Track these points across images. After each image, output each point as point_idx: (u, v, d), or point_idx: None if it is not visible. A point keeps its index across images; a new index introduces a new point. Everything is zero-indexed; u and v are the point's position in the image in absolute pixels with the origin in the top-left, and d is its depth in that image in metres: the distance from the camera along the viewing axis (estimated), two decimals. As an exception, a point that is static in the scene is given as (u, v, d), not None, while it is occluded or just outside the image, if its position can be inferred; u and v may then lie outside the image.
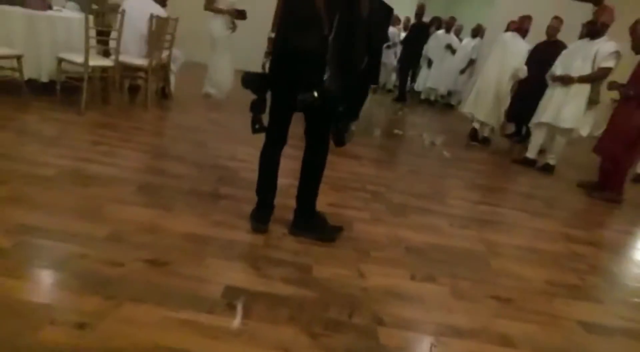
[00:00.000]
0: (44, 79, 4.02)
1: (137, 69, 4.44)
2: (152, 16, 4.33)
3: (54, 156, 2.78)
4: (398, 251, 2.36)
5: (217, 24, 5.40)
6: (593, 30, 4.33)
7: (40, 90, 4.02)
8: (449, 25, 8.63)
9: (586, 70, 4.32)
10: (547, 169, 4.72)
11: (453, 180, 3.96)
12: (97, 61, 3.95)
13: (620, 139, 3.95)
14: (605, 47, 4.23)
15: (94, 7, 5.04)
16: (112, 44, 4.40)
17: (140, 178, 2.74)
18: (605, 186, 4.14)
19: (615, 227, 3.59)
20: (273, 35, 2.10)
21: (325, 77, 1.85)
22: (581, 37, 4.96)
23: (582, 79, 4.33)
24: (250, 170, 2.65)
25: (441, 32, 8.61)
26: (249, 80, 2.09)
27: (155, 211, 2.29)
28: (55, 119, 3.56)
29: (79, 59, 3.76)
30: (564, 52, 4.68)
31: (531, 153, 4.87)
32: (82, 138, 3.28)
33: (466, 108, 5.70)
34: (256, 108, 2.15)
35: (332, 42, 1.84)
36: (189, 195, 2.57)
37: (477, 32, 8.48)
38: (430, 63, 8.61)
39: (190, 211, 2.36)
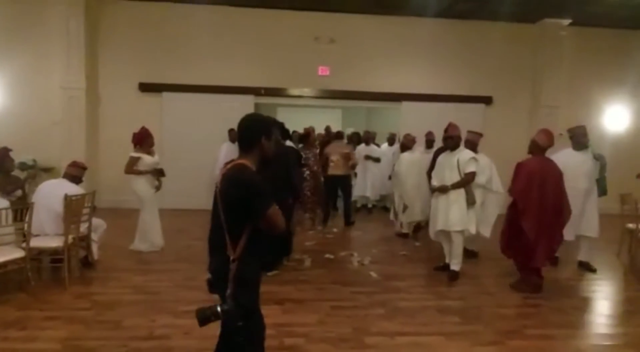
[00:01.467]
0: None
1: (53, 251, 4.48)
2: (66, 196, 4.51)
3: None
4: None
5: (141, 184, 5.71)
6: (451, 143, 5.05)
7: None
8: (367, 138, 9.37)
9: (455, 177, 4.93)
10: (453, 276, 4.99)
11: (376, 309, 4.07)
12: (5, 256, 3.97)
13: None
14: (463, 156, 4.96)
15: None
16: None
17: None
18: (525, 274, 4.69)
19: (532, 332, 3.73)
20: None
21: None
22: (444, 150, 5.48)
23: (455, 186, 4.92)
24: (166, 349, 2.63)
25: (361, 146, 9.31)
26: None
27: None
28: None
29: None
30: (436, 165, 5.32)
31: (447, 258, 5.19)
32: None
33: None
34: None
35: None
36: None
37: (393, 140, 9.30)
38: (355, 174, 9.18)
39: None
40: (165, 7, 8.77)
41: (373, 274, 5.13)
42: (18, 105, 8.55)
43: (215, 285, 2.10)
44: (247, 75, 9.03)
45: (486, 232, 5.58)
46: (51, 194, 4.59)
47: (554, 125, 7.15)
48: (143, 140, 5.72)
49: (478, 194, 5.18)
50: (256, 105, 9.35)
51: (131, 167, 5.63)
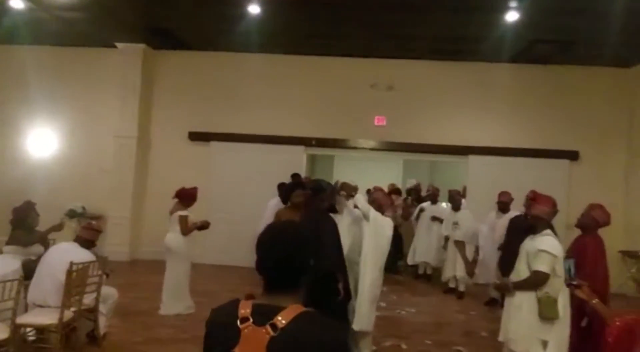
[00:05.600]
0: None
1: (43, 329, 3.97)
2: (71, 265, 4.04)
3: None
4: None
5: (179, 238, 5.41)
6: (534, 223, 3.64)
7: None
8: (434, 196, 8.27)
9: (524, 273, 3.51)
10: None
11: None
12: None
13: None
14: (536, 244, 3.46)
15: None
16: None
17: None
18: None
19: None
20: None
21: None
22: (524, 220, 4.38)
23: (518, 286, 3.51)
24: None
25: (425, 204, 8.30)
26: None
27: None
28: None
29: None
30: (520, 251, 3.82)
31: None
32: None
33: None
34: None
35: None
36: None
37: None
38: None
39: None
40: (217, 56, 8.63)
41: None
42: (72, 152, 8.71)
43: None
44: (298, 125, 8.51)
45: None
46: (57, 260, 4.15)
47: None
48: (191, 199, 5.61)
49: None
50: (309, 156, 8.79)
51: (187, 226, 5.44)
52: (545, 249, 3.37)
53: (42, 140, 8.75)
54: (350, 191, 4.03)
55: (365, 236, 3.95)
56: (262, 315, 1.29)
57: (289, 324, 1.26)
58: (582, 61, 7.89)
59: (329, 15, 6.63)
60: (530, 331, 3.39)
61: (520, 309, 3.44)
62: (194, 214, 5.74)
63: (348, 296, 3.90)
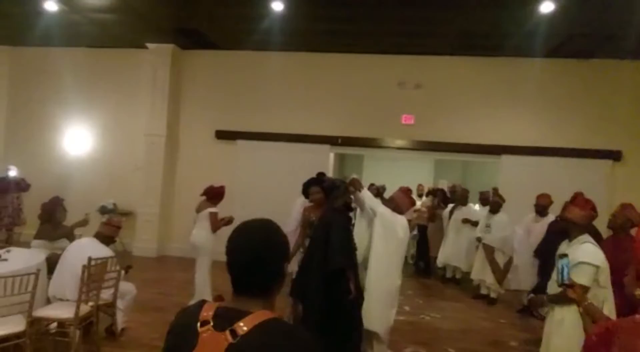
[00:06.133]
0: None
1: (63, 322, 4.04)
2: (89, 260, 4.11)
3: None
4: None
5: (207, 234, 5.46)
6: (567, 228, 3.25)
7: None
8: (462, 198, 7.89)
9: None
10: None
11: None
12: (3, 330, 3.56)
13: None
14: (575, 254, 3.00)
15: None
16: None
17: None
18: None
19: None
20: None
21: None
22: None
23: (553, 299, 3.17)
24: None
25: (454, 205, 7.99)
26: None
27: None
28: None
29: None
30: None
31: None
32: None
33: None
34: None
35: None
36: None
37: (486, 200, 7.78)
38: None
39: None
40: (243, 56, 8.64)
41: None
42: (104, 150, 8.96)
43: None
44: (323, 124, 8.41)
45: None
46: (77, 255, 4.23)
47: None
48: (219, 197, 5.65)
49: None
50: (339, 156, 8.64)
51: (218, 222, 5.49)
52: (586, 261, 2.99)
53: (77, 139, 9.05)
54: (359, 186, 3.89)
55: (374, 232, 3.81)
56: (225, 319, 1.19)
57: (251, 331, 1.16)
58: (623, 55, 7.38)
59: (353, 11, 6.49)
60: (574, 347, 2.91)
61: (562, 324, 3.10)
62: (220, 211, 5.76)
63: (360, 294, 3.78)
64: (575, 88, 7.84)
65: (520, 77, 7.92)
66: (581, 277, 2.88)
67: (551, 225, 5.29)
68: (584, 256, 3.00)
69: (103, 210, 8.40)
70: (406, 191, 4.33)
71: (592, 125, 7.78)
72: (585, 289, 2.88)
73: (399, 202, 4.03)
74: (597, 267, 2.99)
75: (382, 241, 3.80)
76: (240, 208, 7.93)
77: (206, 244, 5.47)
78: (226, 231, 5.60)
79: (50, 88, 9.11)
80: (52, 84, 9.09)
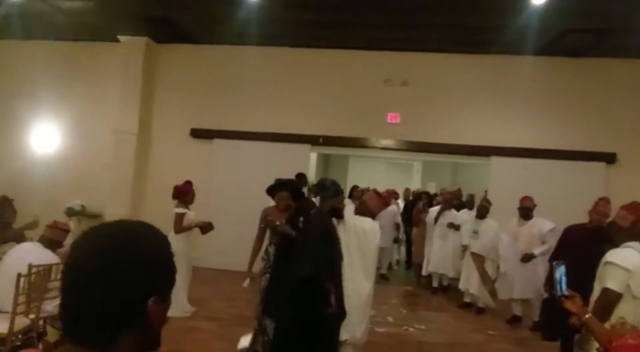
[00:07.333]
0: None
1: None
2: (30, 267, 3.64)
3: None
4: None
5: (180, 241, 5.08)
6: (612, 232, 2.89)
7: None
8: (449, 202, 7.36)
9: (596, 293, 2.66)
10: None
11: None
12: None
13: None
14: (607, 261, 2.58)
15: None
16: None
17: None
18: None
19: None
20: None
21: None
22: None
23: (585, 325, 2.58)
24: None
25: (436, 208, 7.56)
26: None
27: None
28: None
29: None
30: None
31: None
32: None
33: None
34: None
35: None
36: None
37: (472, 203, 7.40)
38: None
39: None
40: (220, 50, 8.20)
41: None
42: (73, 147, 8.46)
43: None
44: (304, 122, 7.97)
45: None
46: (17, 261, 3.76)
47: None
48: (185, 195, 5.34)
49: None
50: (323, 157, 8.23)
51: (181, 225, 5.17)
52: (614, 261, 2.51)
53: (45, 136, 8.52)
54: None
55: (346, 238, 3.43)
56: None
57: None
58: (620, 53, 7.08)
59: (335, 2, 6.10)
60: None
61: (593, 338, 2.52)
62: (196, 214, 5.47)
63: (341, 309, 3.34)
64: (568, 88, 7.52)
65: (511, 76, 7.59)
66: (608, 280, 2.43)
67: (569, 230, 4.69)
68: (614, 256, 2.52)
69: (70, 212, 7.90)
70: (379, 193, 4.01)
71: (586, 126, 7.46)
72: (616, 296, 2.43)
73: (370, 205, 3.66)
74: (629, 271, 2.45)
75: (357, 247, 3.42)
76: (217, 210, 7.50)
77: (175, 247, 4.99)
78: (205, 237, 5.10)
79: (16, 82, 8.55)
80: (18, 78, 8.53)
